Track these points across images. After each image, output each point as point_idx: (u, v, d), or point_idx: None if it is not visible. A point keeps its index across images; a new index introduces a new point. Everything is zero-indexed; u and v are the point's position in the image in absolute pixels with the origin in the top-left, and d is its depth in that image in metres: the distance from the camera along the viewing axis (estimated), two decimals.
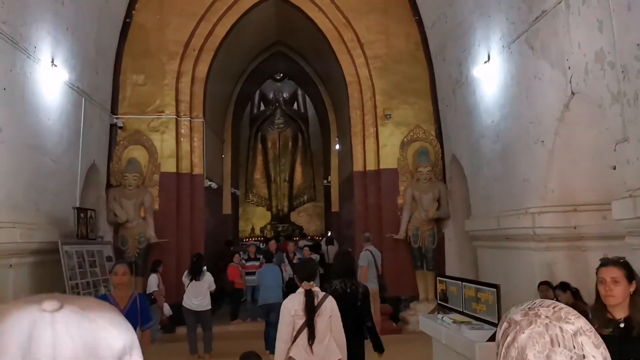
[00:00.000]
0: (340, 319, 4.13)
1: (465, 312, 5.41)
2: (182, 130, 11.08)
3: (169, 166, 10.81)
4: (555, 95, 6.36)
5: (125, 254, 10.16)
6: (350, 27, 11.34)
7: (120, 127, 10.65)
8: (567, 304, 3.51)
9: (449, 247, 10.78)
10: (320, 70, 15.40)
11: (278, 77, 21.48)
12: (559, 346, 1.02)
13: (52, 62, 7.89)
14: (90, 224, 8.59)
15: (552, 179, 6.65)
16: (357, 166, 11.45)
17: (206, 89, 11.52)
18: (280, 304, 4.21)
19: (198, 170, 11.25)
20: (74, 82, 8.74)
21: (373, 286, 8.82)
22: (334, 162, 16.99)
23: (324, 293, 4.17)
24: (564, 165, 6.55)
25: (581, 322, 1.05)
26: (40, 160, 7.60)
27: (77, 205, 8.76)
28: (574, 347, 1.01)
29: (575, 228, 6.56)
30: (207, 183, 11.59)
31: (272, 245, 11.09)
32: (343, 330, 4.13)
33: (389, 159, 11.07)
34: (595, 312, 2.85)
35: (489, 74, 8.16)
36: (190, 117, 11.19)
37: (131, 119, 10.80)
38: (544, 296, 6.24)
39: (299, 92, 21.69)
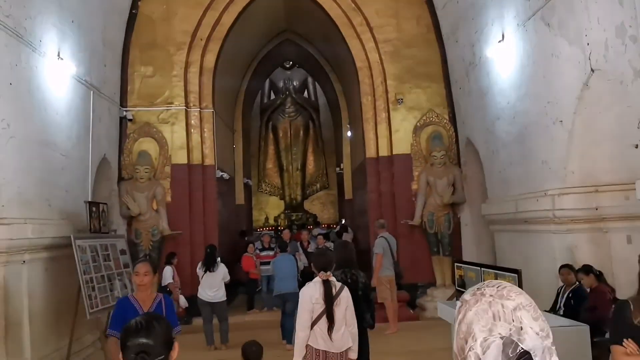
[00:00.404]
0: (353, 310, 4.22)
1: None
2: (192, 121, 10.98)
3: (180, 158, 10.72)
4: (573, 73, 6.15)
5: (139, 246, 10.15)
6: (359, 11, 11.13)
7: (130, 120, 10.57)
8: (590, 287, 3.40)
9: (465, 232, 10.62)
10: (330, 56, 15.21)
11: (288, 66, 21.32)
12: (500, 320, 1.15)
13: (59, 55, 7.80)
14: (103, 218, 8.53)
15: (572, 160, 6.46)
16: (370, 152, 11.29)
17: (215, 78, 11.39)
18: (296, 293, 4.30)
19: (209, 161, 11.15)
20: (81, 75, 8.64)
21: (389, 273, 8.72)
22: (346, 149, 16.82)
23: (340, 283, 4.23)
24: (584, 145, 6.35)
25: (521, 299, 1.18)
26: (50, 155, 7.53)
27: (89, 200, 8.70)
28: (513, 321, 1.15)
29: (596, 209, 6.38)
30: (219, 174, 11.50)
31: (286, 234, 10.99)
32: (355, 320, 4.23)
33: (402, 145, 10.90)
34: (637, 303, 2.68)
35: (504, 54, 7.94)
36: (200, 108, 11.08)
37: (140, 111, 10.72)
38: (565, 279, 6.09)
39: (309, 80, 21.50)
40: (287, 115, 21.75)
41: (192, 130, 10.97)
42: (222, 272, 8.32)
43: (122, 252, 8.79)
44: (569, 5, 6.06)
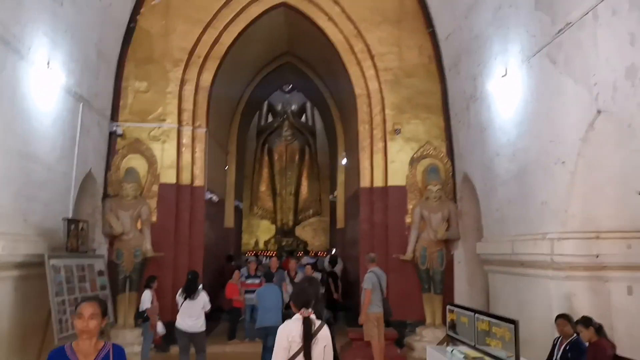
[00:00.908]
0: (332, 349, 4.12)
1: (478, 347, 4.94)
2: (184, 140, 10.69)
3: (169, 177, 10.41)
4: (578, 113, 5.91)
5: (120, 268, 9.74)
6: (361, 38, 10.97)
7: (120, 135, 10.28)
8: (589, 341, 3.07)
9: (458, 269, 10.28)
10: (329, 82, 15.04)
11: (287, 89, 21.25)
12: None
13: (48, 64, 7.54)
14: (82, 236, 8.17)
15: (574, 202, 6.18)
16: (364, 182, 11.00)
17: (210, 98, 11.15)
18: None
19: (199, 182, 10.84)
20: (71, 86, 8.38)
21: (377, 310, 8.36)
22: (341, 177, 16.56)
23: (319, 321, 4.12)
24: (587, 188, 6.08)
25: None
26: (30, 167, 7.21)
27: (70, 216, 8.36)
28: None
29: (597, 257, 6.09)
30: (208, 195, 11.19)
31: (274, 263, 10.61)
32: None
33: (398, 176, 10.63)
34: None
35: (506, 89, 7.73)
36: (193, 127, 10.81)
37: (131, 127, 10.43)
38: (562, 331, 5.74)
39: (308, 104, 21.42)
40: (283, 139, 21.53)
41: (184, 149, 10.68)
42: (202, 300, 7.92)
43: (100, 273, 8.42)
44: (577, 43, 5.85)
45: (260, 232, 21.45)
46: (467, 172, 9.71)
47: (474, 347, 5.02)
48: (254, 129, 21.26)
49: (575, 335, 5.60)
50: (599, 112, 5.56)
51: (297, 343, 3.93)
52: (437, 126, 10.75)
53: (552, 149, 6.45)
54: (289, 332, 3.97)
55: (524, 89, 7.21)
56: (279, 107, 21.51)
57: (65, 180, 8.31)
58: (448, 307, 6.09)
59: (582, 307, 6.06)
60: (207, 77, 11.05)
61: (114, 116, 10.37)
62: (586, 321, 5.40)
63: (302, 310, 4.06)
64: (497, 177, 8.19)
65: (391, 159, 10.69)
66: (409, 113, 10.80)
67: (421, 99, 10.81)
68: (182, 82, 10.72)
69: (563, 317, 5.70)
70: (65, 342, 7.05)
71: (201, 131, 10.95)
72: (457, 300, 9.75)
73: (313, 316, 4.08)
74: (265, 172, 21.69)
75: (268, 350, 7.68)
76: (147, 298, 8.67)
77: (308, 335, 3.93)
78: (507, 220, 7.82)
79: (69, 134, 8.41)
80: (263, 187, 21.64)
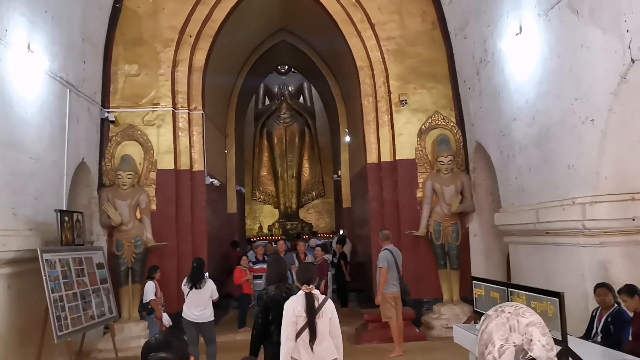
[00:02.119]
0: (337, 321, 4.38)
1: None
2: (180, 124, 10.18)
3: (167, 163, 9.92)
4: (608, 65, 5.40)
5: (120, 259, 9.32)
6: (360, 7, 10.40)
7: (112, 122, 9.77)
8: (635, 310, 2.52)
9: (474, 243, 9.84)
10: (328, 57, 14.49)
11: (283, 70, 20.77)
12: (515, 332, 1.45)
13: (29, 47, 7.01)
14: (77, 228, 7.71)
15: (606, 163, 5.69)
16: (371, 158, 10.52)
17: (205, 79, 10.61)
18: None
19: (198, 166, 10.36)
20: (56, 71, 7.86)
21: (394, 289, 7.94)
22: (344, 156, 16.06)
23: (323, 296, 4.42)
24: (620, 147, 5.59)
25: (533, 318, 1.48)
26: (16, 158, 6.73)
27: (64, 208, 7.89)
28: (525, 333, 1.44)
29: (634, 220, 5.63)
30: (209, 180, 10.69)
31: (281, 246, 10.15)
32: (340, 331, 4.40)
33: (406, 149, 10.14)
34: None
35: (521, 48, 7.20)
36: (189, 110, 10.30)
37: (124, 112, 9.93)
38: (602, 301, 5.31)
39: (305, 85, 20.94)
40: (282, 122, 21.12)
41: (180, 133, 10.18)
42: (209, 289, 7.48)
43: (100, 266, 7.98)
44: None
45: (264, 217, 21.16)
46: (480, 141, 9.21)
47: None
48: (251, 114, 20.80)
49: (616, 305, 5.17)
50: (633, 61, 5.05)
51: (303, 317, 4.18)
52: (445, 95, 10.23)
53: (578, 107, 5.95)
54: (295, 307, 4.21)
55: (542, 45, 6.68)
56: (276, 90, 21.02)
57: (55, 170, 7.82)
58: (474, 281, 5.63)
59: (619, 276, 5.61)
60: (201, 57, 10.50)
61: (105, 102, 9.85)
62: (630, 290, 4.96)
63: (304, 286, 4.34)
64: (514, 143, 7.69)
65: (398, 131, 10.19)
66: (415, 83, 10.27)
67: (426, 67, 10.28)
68: (175, 63, 10.19)
69: (603, 286, 5.26)
70: (67, 338, 6.66)
71: (197, 114, 10.44)
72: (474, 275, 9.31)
73: (316, 291, 4.36)
74: (265, 156, 21.35)
75: None
76: (150, 289, 8.25)
77: (311, 309, 4.19)
78: (529, 188, 7.34)
79: (57, 121, 7.91)
80: (264, 172, 21.34)
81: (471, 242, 9.85)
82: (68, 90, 8.25)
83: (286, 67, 20.66)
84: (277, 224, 20.08)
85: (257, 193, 21.03)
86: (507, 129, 7.94)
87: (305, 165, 21.39)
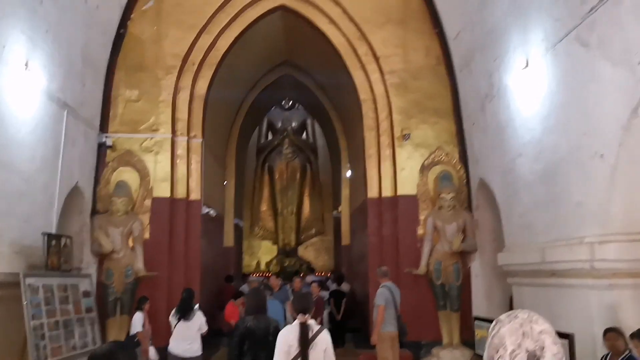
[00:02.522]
0: (333, 352, 4.27)
1: None
2: (179, 152, 10.00)
3: (163, 191, 9.70)
4: (618, 98, 5.22)
5: (110, 289, 8.99)
6: (364, 40, 10.35)
7: (110, 147, 9.59)
8: None
9: (475, 284, 9.50)
10: (331, 92, 14.43)
11: (287, 107, 20.79)
12: (528, 338, 1.47)
13: (26, 65, 6.88)
14: (64, 254, 7.42)
15: (615, 200, 5.45)
16: (372, 192, 10.28)
17: (206, 107, 10.50)
18: None
19: (195, 195, 10.13)
20: (53, 92, 7.72)
21: (392, 329, 7.58)
22: (345, 191, 15.84)
23: (319, 326, 4.31)
24: (631, 183, 5.36)
25: (546, 326, 1.51)
26: (5, 178, 6.50)
27: (53, 232, 7.62)
28: (538, 340, 1.47)
29: None
30: (205, 210, 10.45)
31: (274, 281, 9.80)
32: None
33: (408, 185, 9.90)
34: None
35: (528, 82, 7.05)
36: (188, 137, 10.14)
37: (122, 138, 9.75)
38: (612, 346, 4.98)
39: (309, 121, 20.95)
40: (284, 157, 21.00)
41: (178, 161, 9.99)
42: (198, 321, 7.17)
43: (86, 294, 7.66)
44: (614, 19, 5.19)
45: (262, 253, 20.77)
46: (483, 178, 8.99)
47: None
48: (253, 148, 20.75)
49: (628, 351, 4.84)
50: None
51: (296, 347, 4.10)
52: (448, 131, 10.07)
53: (586, 142, 5.74)
54: (287, 337, 4.14)
55: (549, 79, 6.53)
56: (279, 125, 21.00)
57: (47, 193, 7.60)
58: (476, 322, 5.32)
59: (629, 319, 5.30)
60: (203, 84, 10.41)
61: (103, 126, 9.70)
62: None
63: (300, 315, 4.26)
64: (520, 179, 7.47)
65: (400, 166, 9.98)
66: (418, 118, 10.12)
67: (430, 102, 10.15)
68: (176, 90, 10.08)
69: (613, 331, 4.95)
70: None
71: (197, 142, 10.28)
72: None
73: (312, 321, 4.28)
74: (266, 191, 21.11)
75: None
76: (138, 321, 7.90)
77: (305, 340, 4.11)
78: (534, 227, 7.07)
79: (52, 143, 7.72)
80: (264, 207, 21.04)
81: (473, 283, 9.52)
82: (65, 112, 8.10)
83: (290, 102, 20.70)
84: (275, 261, 19.70)
85: (256, 228, 20.69)
86: (512, 165, 7.73)
87: (306, 202, 21.10)
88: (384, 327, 7.53)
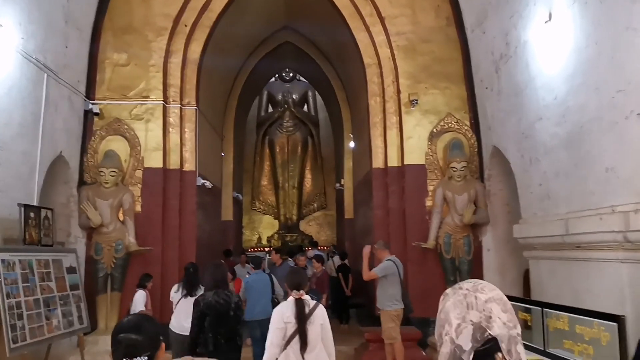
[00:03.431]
0: (330, 328, 4.19)
1: (551, 351, 3.63)
2: (171, 119, 9.40)
3: (155, 161, 9.12)
4: None
5: (99, 264, 8.49)
6: (369, 0, 9.63)
7: (97, 114, 8.99)
8: None
9: (487, 258, 8.97)
10: (333, 58, 13.74)
11: (287, 78, 20.22)
12: (472, 309, 1.34)
13: None
14: (45, 227, 6.87)
15: None
16: (377, 162, 9.69)
17: (200, 72, 9.86)
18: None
19: (189, 166, 9.55)
20: (31, 52, 7.08)
21: (398, 307, 7.05)
22: (348, 164, 15.25)
23: (314, 302, 4.21)
24: None
25: (493, 294, 1.38)
26: None
27: (35, 204, 7.06)
28: (484, 310, 1.34)
29: None
30: (200, 181, 9.87)
31: (275, 257, 9.26)
32: (332, 339, 4.20)
33: (415, 154, 9.30)
34: None
35: (551, 37, 6.38)
36: (181, 104, 9.53)
37: (110, 104, 9.14)
38: None
39: (310, 93, 20.37)
40: (284, 130, 20.52)
41: (171, 129, 9.40)
42: None
43: (71, 270, 7.13)
44: None
45: (263, 228, 20.48)
46: (497, 145, 8.38)
47: (544, 353, 3.73)
48: (253, 121, 20.24)
49: None
50: None
51: (293, 324, 3.99)
52: (459, 96, 9.42)
53: (620, 100, 5.11)
54: (284, 313, 4.03)
55: (576, 32, 5.87)
56: (279, 97, 20.43)
57: (26, 162, 7.01)
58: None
59: None
60: (196, 48, 9.76)
61: (90, 93, 9.08)
62: None
63: (294, 292, 4.14)
64: (539, 146, 6.85)
65: (407, 134, 9.36)
66: (426, 82, 9.47)
67: (439, 66, 9.48)
68: (167, 54, 9.43)
69: None
70: (22, 352, 5.81)
71: (191, 109, 9.67)
72: None
73: (307, 297, 4.16)
74: (266, 165, 20.74)
75: (258, 342, 6.94)
76: (140, 299, 7.37)
77: (302, 316, 4.00)
78: (555, 196, 6.48)
79: (31, 108, 7.12)
80: (265, 181, 20.70)
81: (484, 257, 8.98)
82: (45, 75, 7.47)
83: (291, 74, 20.15)
84: (276, 236, 19.39)
85: (257, 203, 20.37)
86: (530, 130, 7.10)
87: (308, 176, 20.75)
88: (391, 304, 7.01)
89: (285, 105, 20.24)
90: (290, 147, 20.48)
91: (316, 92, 19.80)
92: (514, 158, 7.74)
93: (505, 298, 1.36)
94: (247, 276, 9.77)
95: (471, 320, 1.32)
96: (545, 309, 3.87)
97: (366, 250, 7.13)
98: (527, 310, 4.13)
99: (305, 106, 20.70)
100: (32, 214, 6.54)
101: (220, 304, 4.58)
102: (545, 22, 6.45)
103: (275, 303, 7.56)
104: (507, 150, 8.00)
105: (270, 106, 20.69)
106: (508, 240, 8.44)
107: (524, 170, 7.44)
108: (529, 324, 4.02)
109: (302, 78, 19.99)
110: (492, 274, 8.86)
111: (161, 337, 2.03)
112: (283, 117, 20.35)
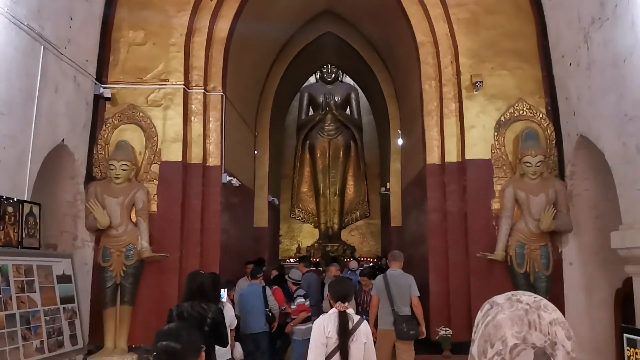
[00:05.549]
0: (373, 347, 3.94)
1: None
2: (193, 106, 8.20)
3: (174, 154, 7.91)
4: None
5: (107, 272, 7.30)
6: None
7: (108, 99, 7.84)
8: None
9: (569, 273, 7.36)
10: (380, 43, 12.34)
11: (329, 79, 19.14)
12: (535, 330, 1.11)
13: None
14: (29, 225, 5.66)
15: None
16: (432, 158, 8.24)
17: (228, 53, 8.63)
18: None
19: (214, 160, 8.32)
20: (22, 17, 5.95)
21: (384, 327, 6.54)
22: (395, 165, 13.78)
23: (359, 317, 3.95)
24: None
25: (557, 314, 1.15)
26: None
27: (26, 199, 5.90)
28: (549, 334, 1.10)
29: None
30: (227, 178, 8.60)
31: (302, 267, 8.07)
32: (376, 358, 3.91)
33: (479, 147, 7.80)
34: None
35: None
36: (205, 90, 8.32)
37: (124, 89, 8.00)
38: None
39: (353, 95, 19.29)
40: (326, 134, 19.45)
41: (193, 117, 8.19)
42: (228, 314, 5.68)
43: (64, 278, 5.91)
44: None
45: (303, 237, 19.36)
46: (585, 134, 6.78)
47: None
48: (293, 125, 19.18)
49: None
50: None
51: (334, 339, 3.74)
52: (533, 78, 7.87)
53: None
54: (326, 327, 3.78)
55: None
56: (321, 99, 19.31)
57: (12, 149, 5.85)
58: (626, 335, 3.27)
59: None
60: (223, 26, 8.55)
61: (102, 75, 7.95)
62: None
63: (338, 304, 3.88)
64: None
65: (469, 124, 7.88)
66: (492, 62, 7.97)
67: (509, 42, 7.96)
68: (190, 32, 8.24)
69: None
70: None
71: (216, 95, 8.45)
72: (571, 318, 6.81)
73: (350, 310, 3.92)
74: (306, 171, 19.71)
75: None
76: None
77: (345, 331, 3.74)
78: None
79: (19, 84, 5.95)
80: (305, 188, 19.68)
81: (565, 272, 7.37)
82: (42, 47, 6.33)
83: (332, 75, 18.98)
84: (316, 245, 18.18)
85: (296, 210, 19.33)
86: (636, 110, 5.52)
87: (350, 182, 19.62)
88: (378, 323, 6.66)
89: (327, 108, 19.10)
90: (332, 151, 19.42)
91: (359, 94, 18.67)
92: (612, 147, 6.13)
93: (567, 322, 1.11)
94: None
95: (533, 344, 1.08)
96: None
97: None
98: (633, 344, 2.65)
99: (348, 109, 19.51)
100: (9, 209, 5.32)
101: (192, 317, 4.22)
102: None
103: (268, 317, 7.29)
104: (601, 138, 6.38)
105: (311, 109, 19.60)
106: (596, 251, 6.96)
107: (626, 162, 5.83)
108: None
109: (344, 79, 18.85)
110: (576, 292, 7.26)
111: (202, 346, 2.07)
112: (324, 120, 19.28)
